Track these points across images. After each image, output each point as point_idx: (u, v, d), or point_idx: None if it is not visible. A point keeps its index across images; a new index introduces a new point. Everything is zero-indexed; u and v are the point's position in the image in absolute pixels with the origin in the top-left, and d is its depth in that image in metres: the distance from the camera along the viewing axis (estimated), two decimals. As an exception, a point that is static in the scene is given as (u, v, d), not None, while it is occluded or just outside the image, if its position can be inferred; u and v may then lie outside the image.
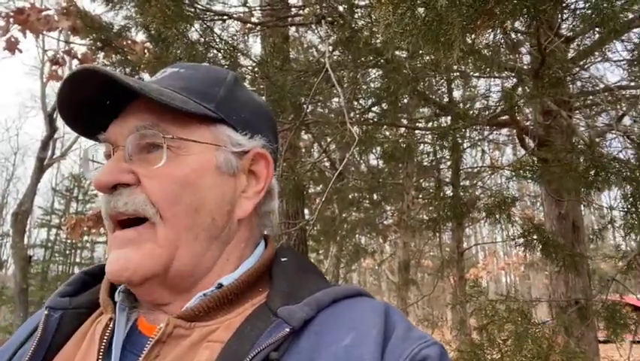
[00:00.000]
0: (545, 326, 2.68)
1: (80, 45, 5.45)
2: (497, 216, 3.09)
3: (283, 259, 0.76)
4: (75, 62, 5.58)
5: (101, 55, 3.95)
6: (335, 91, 4.16)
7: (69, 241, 27.11)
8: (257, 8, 5.25)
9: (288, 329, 0.61)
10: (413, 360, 0.59)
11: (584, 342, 3.53)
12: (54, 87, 18.57)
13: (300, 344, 0.61)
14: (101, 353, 0.65)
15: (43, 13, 4.83)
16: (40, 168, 15.21)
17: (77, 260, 28.52)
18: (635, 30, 3.59)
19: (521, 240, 3.03)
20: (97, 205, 7.75)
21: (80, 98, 0.71)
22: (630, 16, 2.82)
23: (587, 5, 2.08)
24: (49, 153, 16.17)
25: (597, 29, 2.76)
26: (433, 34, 1.66)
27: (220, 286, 0.69)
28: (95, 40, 3.58)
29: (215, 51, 3.05)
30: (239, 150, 0.75)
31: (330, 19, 3.39)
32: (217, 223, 0.71)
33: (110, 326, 0.68)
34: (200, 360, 0.60)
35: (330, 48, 3.63)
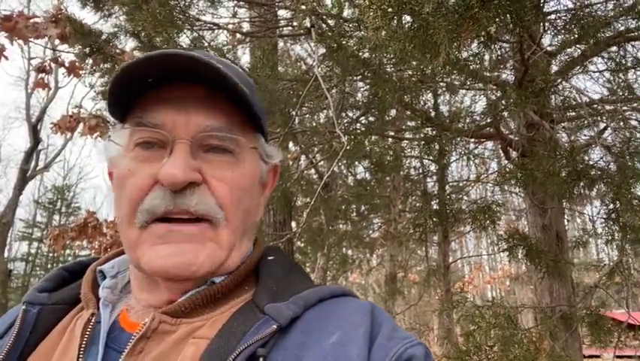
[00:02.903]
0: (531, 332, 2.70)
1: (67, 53, 5.44)
2: (482, 221, 3.13)
3: (270, 258, 0.77)
4: (62, 70, 5.56)
5: (90, 62, 3.96)
6: (323, 102, 4.21)
7: (51, 254, 26.64)
8: (246, 20, 5.31)
9: (275, 326, 0.61)
10: (399, 359, 0.60)
11: (568, 351, 3.56)
12: (39, 98, 18.44)
13: (287, 342, 0.61)
14: (82, 349, 0.64)
15: (32, 20, 4.82)
16: (23, 180, 15.00)
17: (59, 274, 27.91)
18: (614, 48, 3.71)
19: (506, 246, 3.07)
20: (80, 216, 7.64)
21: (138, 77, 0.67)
22: (609, 34, 2.93)
23: (567, 15, 2.15)
24: (33, 164, 15.99)
25: (578, 44, 2.87)
26: (419, 39, 1.71)
27: (212, 283, 0.70)
28: (84, 46, 3.58)
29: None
30: (270, 162, 0.79)
31: (319, 30, 3.44)
32: (253, 228, 0.77)
33: (92, 321, 0.67)
34: (185, 356, 0.60)
35: (319, 59, 3.68)
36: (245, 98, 0.68)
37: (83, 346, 0.64)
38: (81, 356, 0.64)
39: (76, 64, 5.31)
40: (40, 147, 16.35)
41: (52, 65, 5.80)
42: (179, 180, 0.64)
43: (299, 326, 0.63)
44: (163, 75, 0.67)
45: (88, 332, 0.66)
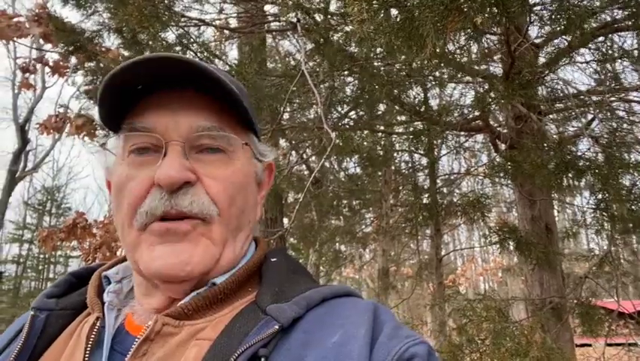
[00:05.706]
0: (522, 324, 2.71)
1: (52, 52, 5.37)
2: (472, 214, 3.13)
3: (273, 260, 0.77)
4: (47, 69, 5.48)
5: (74, 60, 3.90)
6: (312, 99, 4.18)
7: (42, 256, 26.44)
8: (233, 15, 5.27)
9: (277, 326, 0.61)
10: (401, 358, 0.59)
11: (560, 342, 3.58)
12: (26, 98, 18.23)
13: (289, 342, 0.61)
14: (87, 352, 0.64)
15: (14, 19, 4.74)
16: (12, 181, 14.86)
17: (51, 276, 27.74)
18: (601, 38, 3.73)
19: (496, 238, 3.08)
20: (70, 217, 7.58)
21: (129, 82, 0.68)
22: (595, 24, 2.94)
23: (553, 6, 2.14)
24: (21, 165, 15.84)
25: (564, 35, 2.87)
26: (405, 32, 1.69)
27: (213, 284, 0.70)
28: (67, 44, 3.52)
29: (192, 54, 3.04)
30: (264, 160, 0.81)
31: (305, 25, 3.42)
32: (250, 226, 0.77)
33: (97, 325, 0.68)
34: (188, 358, 0.60)
35: (307, 54, 3.66)
36: (235, 97, 0.70)
37: (89, 350, 0.65)
38: (86, 359, 0.64)
39: (61, 63, 5.23)
40: (28, 147, 16.18)
41: (37, 64, 5.71)
42: (175, 180, 0.66)
43: (301, 326, 0.63)
44: (152, 80, 0.69)
45: (93, 336, 0.66)
